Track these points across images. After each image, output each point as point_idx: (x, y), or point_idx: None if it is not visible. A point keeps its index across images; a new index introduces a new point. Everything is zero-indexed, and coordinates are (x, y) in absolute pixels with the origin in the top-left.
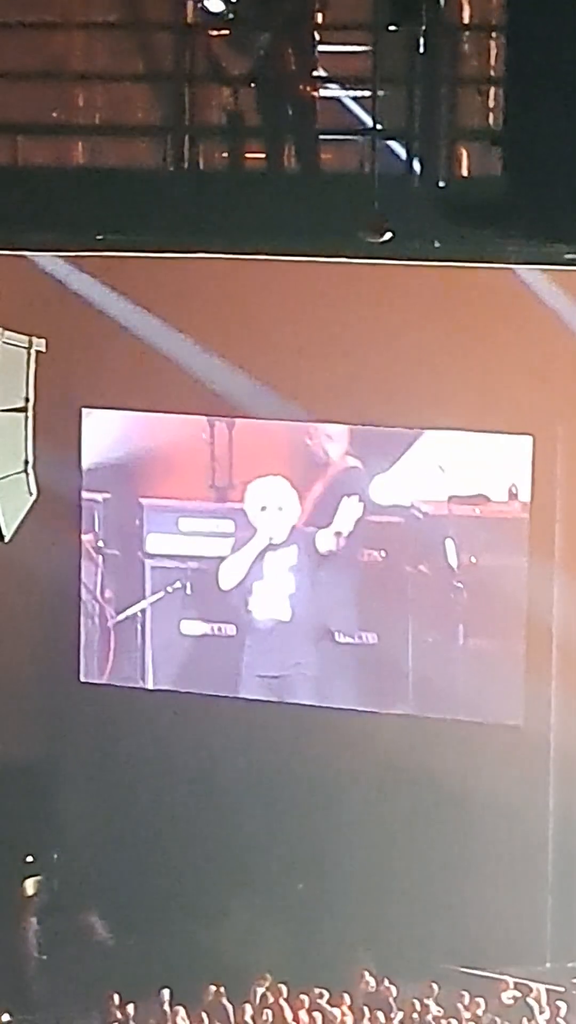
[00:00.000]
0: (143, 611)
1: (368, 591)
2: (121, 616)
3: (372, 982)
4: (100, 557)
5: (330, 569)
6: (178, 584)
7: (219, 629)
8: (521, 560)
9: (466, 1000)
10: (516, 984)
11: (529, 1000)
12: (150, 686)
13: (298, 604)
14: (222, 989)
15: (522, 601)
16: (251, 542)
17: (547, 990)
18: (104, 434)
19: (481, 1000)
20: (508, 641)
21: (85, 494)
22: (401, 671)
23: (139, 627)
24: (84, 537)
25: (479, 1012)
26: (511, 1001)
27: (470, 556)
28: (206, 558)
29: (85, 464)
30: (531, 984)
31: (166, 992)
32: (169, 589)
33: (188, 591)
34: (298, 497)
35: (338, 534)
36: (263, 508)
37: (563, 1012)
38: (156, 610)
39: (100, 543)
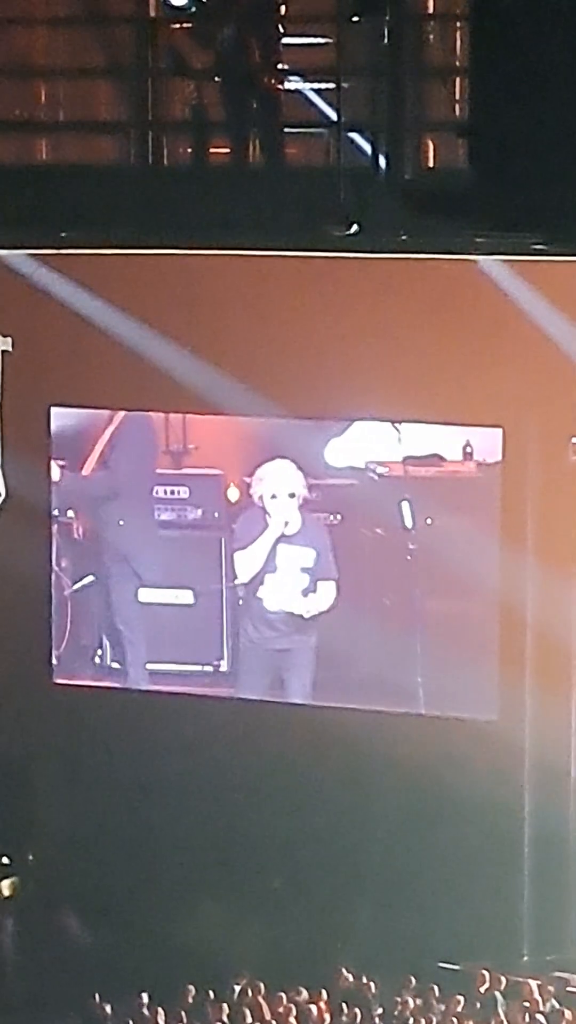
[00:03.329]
0: (97, 580)
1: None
2: (78, 585)
3: (350, 978)
4: (55, 526)
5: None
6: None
7: (176, 596)
8: (477, 519)
9: (444, 994)
10: (493, 977)
11: (507, 993)
12: (108, 658)
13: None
14: (200, 988)
15: (481, 564)
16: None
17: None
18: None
19: (460, 996)
20: (474, 606)
21: None
22: (362, 637)
23: (95, 596)
24: None
25: (460, 1005)
26: (489, 995)
27: (426, 518)
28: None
29: None
30: (510, 977)
31: (144, 992)
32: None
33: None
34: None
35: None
36: (273, 496)
37: (541, 1005)
38: (112, 580)
39: (55, 511)
